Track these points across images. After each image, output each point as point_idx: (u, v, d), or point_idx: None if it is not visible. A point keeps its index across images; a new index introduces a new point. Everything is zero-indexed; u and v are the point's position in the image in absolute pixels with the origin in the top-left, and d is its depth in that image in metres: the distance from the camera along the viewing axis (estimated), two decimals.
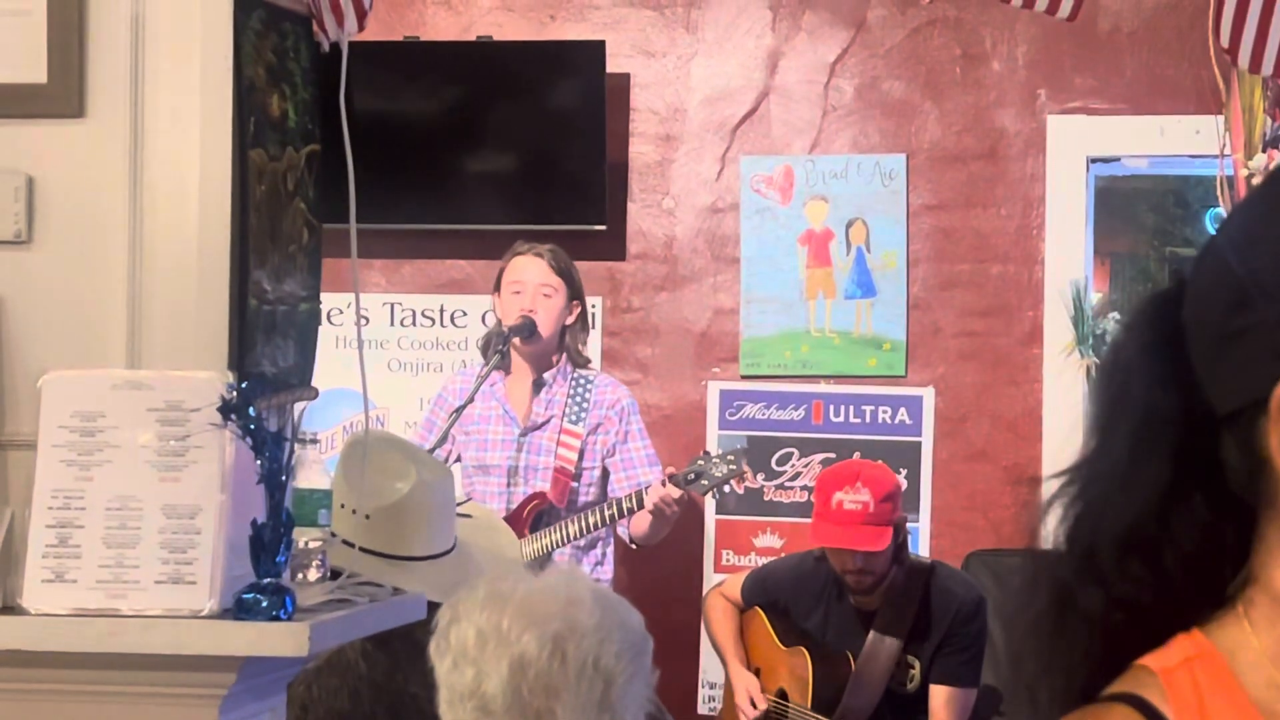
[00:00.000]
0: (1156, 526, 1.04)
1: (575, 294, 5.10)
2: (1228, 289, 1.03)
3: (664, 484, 4.84)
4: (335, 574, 2.72)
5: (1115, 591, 1.05)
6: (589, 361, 5.23)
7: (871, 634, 4.81)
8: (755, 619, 5.04)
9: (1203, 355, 1.05)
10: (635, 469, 5.03)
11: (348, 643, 2.83)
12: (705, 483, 4.90)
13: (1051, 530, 1.08)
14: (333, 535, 2.81)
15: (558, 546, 4.93)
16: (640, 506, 4.89)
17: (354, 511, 2.84)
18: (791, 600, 4.98)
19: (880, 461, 5.31)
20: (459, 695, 2.28)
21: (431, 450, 4.73)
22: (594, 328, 5.80)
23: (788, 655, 4.92)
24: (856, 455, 5.55)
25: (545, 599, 2.28)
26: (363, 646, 2.86)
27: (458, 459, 5.15)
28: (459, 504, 3.22)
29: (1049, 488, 1.09)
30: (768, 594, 5.03)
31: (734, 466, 4.93)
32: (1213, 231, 1.11)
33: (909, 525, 5.44)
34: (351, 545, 2.81)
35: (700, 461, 4.93)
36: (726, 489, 5.49)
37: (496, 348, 5.02)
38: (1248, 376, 1.01)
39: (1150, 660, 1.04)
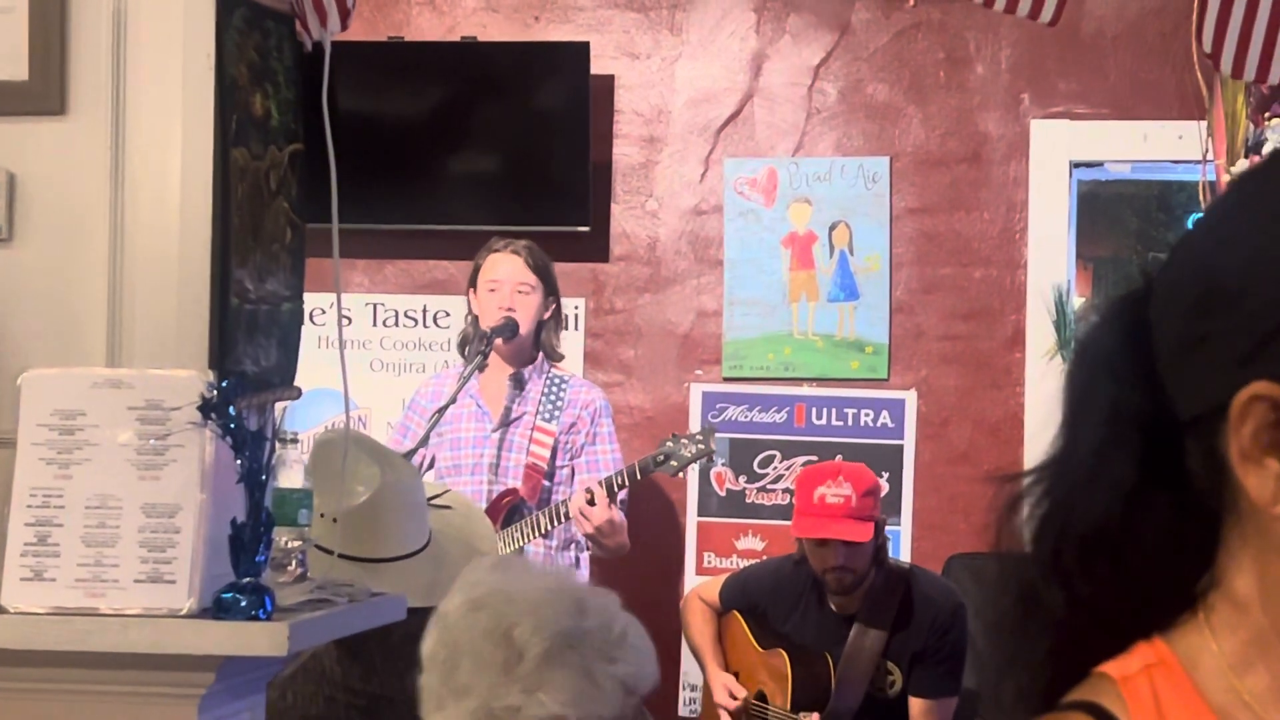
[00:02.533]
0: (1120, 528, 1.04)
1: (551, 290, 5.09)
2: (1193, 292, 1.03)
3: (588, 497, 4.81)
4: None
5: (1078, 592, 1.04)
6: (563, 358, 5.23)
7: (852, 632, 4.80)
8: (733, 622, 5.04)
9: (1167, 358, 1.04)
10: (599, 471, 5.01)
11: (321, 648, 2.82)
12: (674, 463, 4.88)
13: (1020, 529, 1.08)
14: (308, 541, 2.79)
15: (527, 540, 4.92)
16: (567, 519, 4.88)
17: (321, 515, 2.81)
18: (770, 604, 4.97)
19: (860, 463, 5.31)
20: (422, 664, 2.29)
21: (409, 454, 4.72)
22: (577, 329, 5.80)
23: (766, 657, 4.92)
24: (839, 458, 5.55)
25: (488, 580, 2.28)
26: (336, 652, 2.85)
27: (431, 463, 5.13)
28: (438, 495, 3.21)
29: (1016, 486, 1.09)
30: (746, 597, 5.03)
31: (702, 445, 4.91)
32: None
33: (890, 529, 5.45)
34: (330, 552, 2.80)
35: (669, 444, 4.92)
36: (708, 485, 5.48)
37: (478, 348, 5.01)
38: (1210, 382, 1.00)
39: (1109, 668, 1.03)
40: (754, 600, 5.01)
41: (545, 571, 2.45)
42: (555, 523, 4.93)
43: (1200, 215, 1.11)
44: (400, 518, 2.96)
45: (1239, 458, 1.00)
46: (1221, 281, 1.01)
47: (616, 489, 4.89)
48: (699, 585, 5.29)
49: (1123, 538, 1.04)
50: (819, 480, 4.79)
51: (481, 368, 5.08)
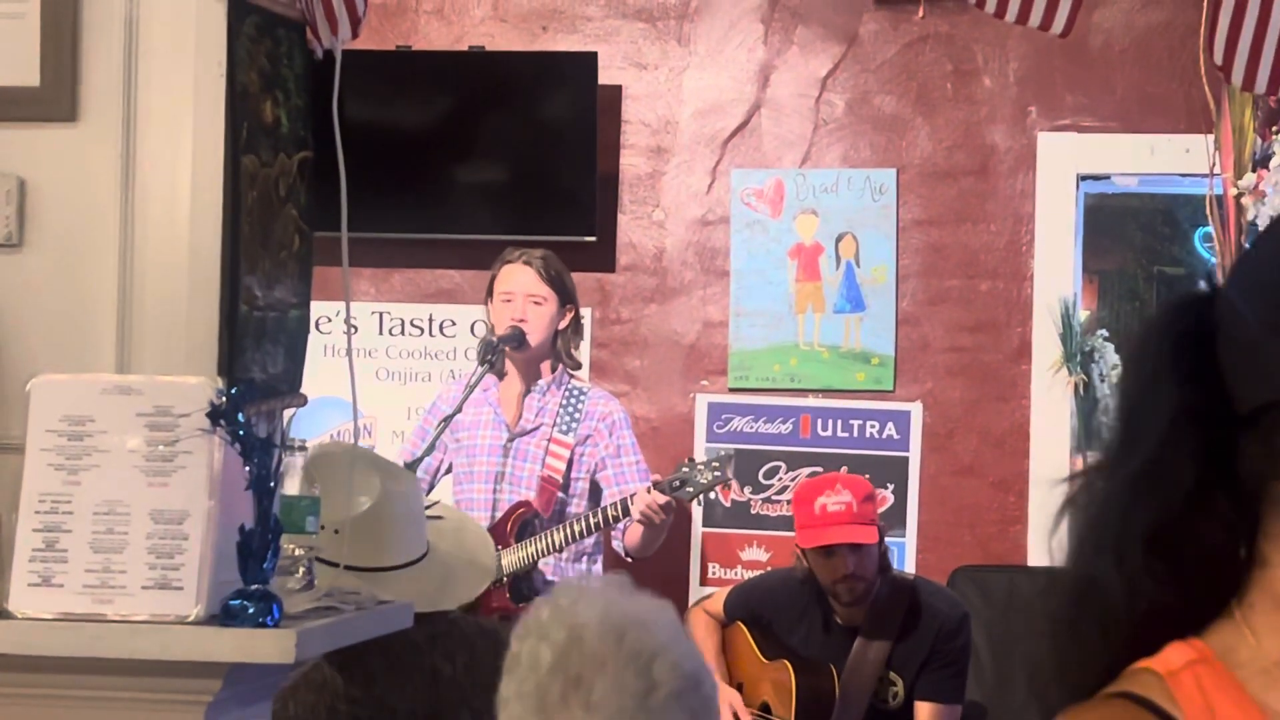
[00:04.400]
0: (1181, 526, 1.04)
1: (568, 300, 5.09)
2: (1271, 288, 1.03)
3: (649, 490, 4.83)
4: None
5: (1140, 587, 1.05)
6: (580, 365, 5.23)
7: (856, 644, 4.80)
8: (737, 633, 5.03)
9: (1233, 352, 1.04)
10: (628, 483, 5.01)
11: (320, 660, 2.81)
12: (690, 489, 4.89)
13: (1067, 532, 1.08)
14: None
15: (543, 556, 4.92)
16: (626, 514, 4.88)
17: (322, 526, 2.79)
18: (775, 615, 4.97)
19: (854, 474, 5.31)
20: (517, 662, 2.27)
21: (420, 459, 4.72)
22: (583, 339, 5.80)
23: (770, 668, 4.91)
24: (844, 469, 5.55)
25: (622, 604, 2.30)
26: (338, 661, 2.85)
27: (448, 469, 5.14)
28: (427, 506, 3.21)
29: (1074, 488, 1.08)
30: (750, 608, 5.02)
31: (719, 473, 4.91)
32: (1202, 251, 1.12)
33: (895, 541, 5.45)
34: (334, 565, 2.80)
35: (685, 469, 4.92)
36: (712, 496, 5.47)
37: (486, 356, 5.01)
38: (1278, 375, 1.01)
39: (1151, 664, 1.04)
40: (758, 611, 5.01)
41: (655, 601, 2.48)
42: (573, 540, 4.92)
43: (1273, 223, 1.11)
44: (402, 525, 2.97)
45: None
46: None
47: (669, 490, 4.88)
48: (703, 598, 5.29)
49: (1183, 536, 1.03)
50: (818, 492, 4.80)
51: (501, 374, 5.09)
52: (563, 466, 4.97)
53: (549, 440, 5.02)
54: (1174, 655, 1.04)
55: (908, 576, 5.07)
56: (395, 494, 2.93)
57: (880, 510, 5.23)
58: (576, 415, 5.04)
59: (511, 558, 4.86)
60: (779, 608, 4.97)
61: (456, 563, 3.09)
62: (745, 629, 5.01)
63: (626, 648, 2.22)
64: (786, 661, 4.88)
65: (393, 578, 2.91)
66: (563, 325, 5.09)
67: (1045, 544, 1.10)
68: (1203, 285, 1.09)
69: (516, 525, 4.96)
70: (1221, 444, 1.04)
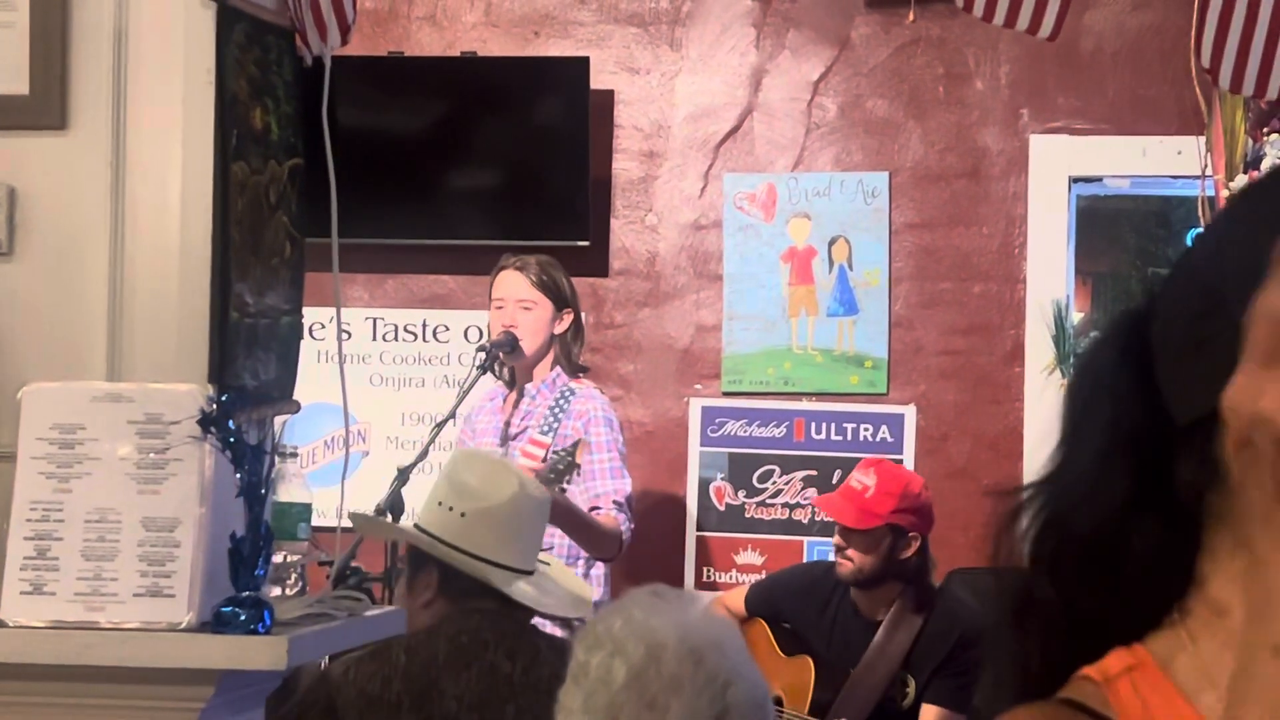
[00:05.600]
0: (1115, 539, 1.06)
1: (564, 303, 5.07)
2: (1195, 298, 1.04)
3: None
4: (416, 569, 2.84)
5: (1074, 597, 1.07)
6: (586, 370, 5.19)
7: (875, 639, 4.81)
8: (756, 629, 5.03)
9: (1167, 366, 1.06)
10: (594, 479, 4.95)
11: (397, 638, 2.93)
12: (552, 475, 4.76)
13: (1018, 541, 1.10)
14: (415, 527, 3.08)
15: None
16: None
17: (450, 509, 3.11)
18: (798, 609, 4.97)
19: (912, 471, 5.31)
20: (586, 673, 2.27)
21: (412, 466, 4.70)
22: (584, 342, 5.78)
23: (789, 663, 4.91)
24: (837, 473, 5.55)
25: (698, 623, 2.32)
26: (408, 642, 2.94)
27: None
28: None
29: (1016, 499, 1.11)
30: (773, 604, 5.03)
31: (569, 458, 4.78)
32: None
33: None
34: (435, 539, 3.06)
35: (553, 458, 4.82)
36: (715, 505, 5.44)
37: (479, 363, 5.01)
38: (1208, 387, 1.02)
39: (1090, 670, 1.06)
40: (779, 607, 5.01)
41: (724, 620, 2.51)
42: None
43: (1203, 228, 1.13)
44: (525, 530, 3.21)
45: (1234, 451, 1.01)
46: (1218, 287, 1.03)
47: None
48: (723, 594, 5.29)
49: (1118, 548, 1.05)
50: (860, 468, 4.85)
51: (511, 383, 5.08)
52: (534, 465, 4.89)
53: (528, 441, 5.01)
54: (1113, 662, 1.06)
55: (933, 583, 5.06)
56: (531, 497, 3.13)
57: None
58: (561, 415, 5.03)
59: None
60: (802, 602, 4.97)
61: (564, 593, 3.28)
62: (766, 625, 5.00)
63: (704, 672, 2.23)
64: (807, 657, 4.89)
65: (504, 575, 3.06)
66: (560, 330, 5.07)
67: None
68: (1145, 299, 1.10)
69: None
70: (1159, 459, 1.05)
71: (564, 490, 4.75)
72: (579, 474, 4.78)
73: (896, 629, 4.81)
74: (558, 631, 3.81)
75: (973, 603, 5.06)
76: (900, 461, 5.73)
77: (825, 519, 5.28)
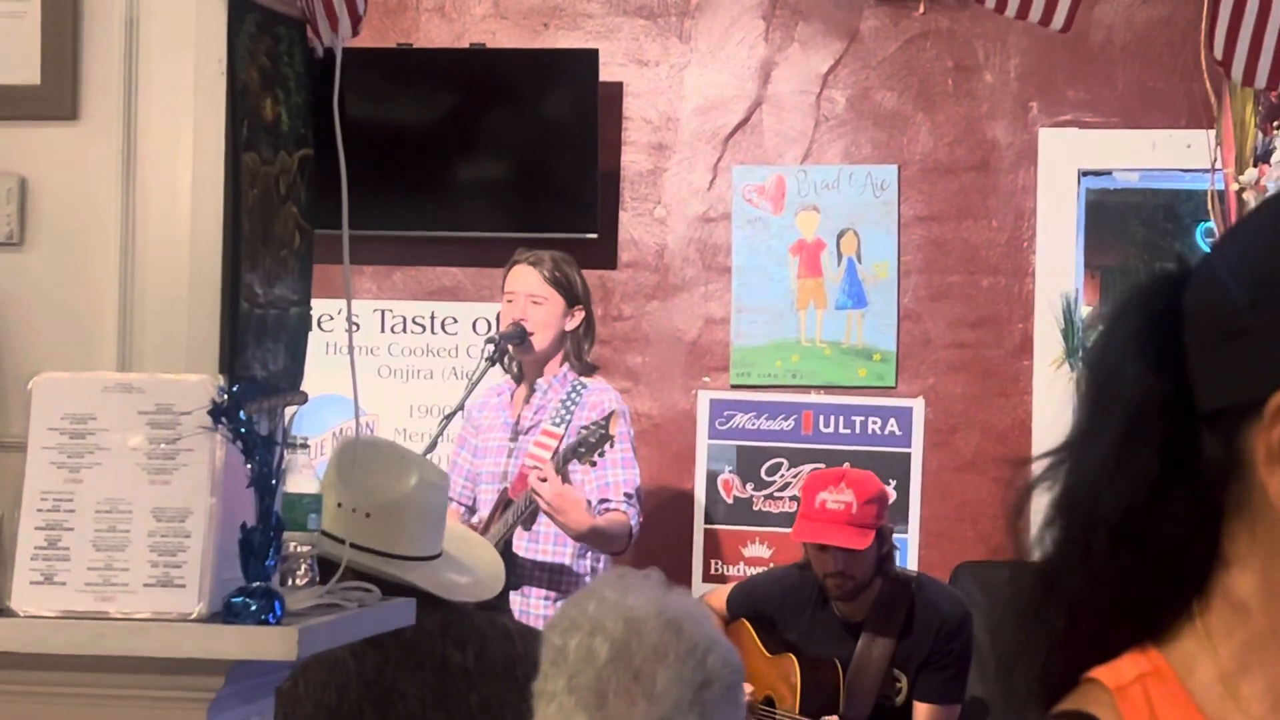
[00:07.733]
0: (1145, 516, 1.02)
1: (576, 300, 5.06)
2: (1239, 284, 1.01)
3: (541, 475, 4.75)
4: (325, 578, 2.72)
5: (1103, 575, 1.03)
6: (595, 369, 5.17)
7: (861, 641, 4.80)
8: (741, 630, 5.03)
9: (1199, 346, 1.03)
10: (606, 469, 4.95)
11: None
12: (583, 450, 4.77)
13: (1040, 526, 1.07)
14: (322, 534, 2.81)
15: (509, 527, 4.85)
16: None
17: (354, 510, 2.87)
18: (777, 610, 4.97)
19: (868, 471, 5.31)
20: (565, 656, 2.27)
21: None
22: (595, 340, 5.77)
23: (774, 663, 4.92)
24: (846, 465, 5.55)
25: (670, 597, 2.34)
26: (352, 645, 2.86)
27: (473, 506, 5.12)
28: None
29: (1031, 472, 1.07)
30: (753, 605, 5.02)
31: (603, 430, 4.79)
32: (1204, 245, 1.11)
33: (898, 537, 5.44)
34: (341, 542, 2.81)
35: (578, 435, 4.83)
36: (724, 498, 5.43)
37: (487, 354, 5.02)
38: (1243, 377, 0.99)
39: (1103, 676, 1.03)
40: (760, 608, 5.01)
41: (690, 595, 2.52)
42: (520, 515, 4.84)
43: (1259, 206, 1.08)
44: (431, 518, 3.02)
45: (1266, 457, 0.99)
46: (1272, 277, 1.00)
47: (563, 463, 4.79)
48: (706, 595, 5.29)
49: (1147, 526, 1.02)
50: (822, 486, 4.80)
51: (519, 378, 5.08)
52: (546, 456, 4.89)
53: (540, 432, 5.01)
54: (1127, 667, 1.03)
55: (911, 574, 5.06)
56: (430, 485, 2.97)
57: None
58: (573, 408, 5.02)
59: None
60: (782, 604, 4.97)
61: (472, 567, 3.13)
62: (749, 625, 5.01)
63: (685, 641, 2.25)
64: (791, 656, 4.89)
65: (417, 566, 2.94)
66: (571, 326, 5.06)
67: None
68: (1174, 267, 1.06)
69: (499, 512, 4.93)
70: (1187, 434, 1.02)
71: (595, 464, 4.77)
72: (611, 446, 4.77)
73: (879, 628, 4.81)
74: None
75: (951, 590, 5.06)
76: (908, 455, 5.73)
77: None
